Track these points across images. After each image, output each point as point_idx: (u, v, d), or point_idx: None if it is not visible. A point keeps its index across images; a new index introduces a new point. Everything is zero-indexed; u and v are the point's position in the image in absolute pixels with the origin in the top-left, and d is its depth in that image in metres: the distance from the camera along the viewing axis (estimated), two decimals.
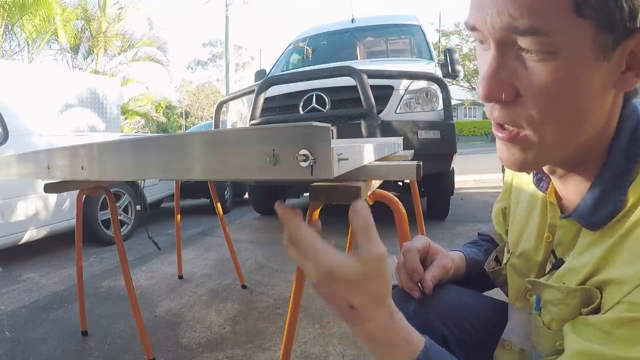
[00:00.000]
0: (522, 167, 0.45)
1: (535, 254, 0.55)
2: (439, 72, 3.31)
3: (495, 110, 0.42)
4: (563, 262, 0.50)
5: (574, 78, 0.38)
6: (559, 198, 0.53)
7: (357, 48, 4.24)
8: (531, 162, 0.44)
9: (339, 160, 0.45)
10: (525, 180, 0.61)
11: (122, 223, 3.46)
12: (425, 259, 0.65)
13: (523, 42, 0.37)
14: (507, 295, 0.65)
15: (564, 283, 0.47)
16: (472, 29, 0.41)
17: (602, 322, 0.39)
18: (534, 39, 0.36)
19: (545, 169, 0.51)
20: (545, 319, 0.50)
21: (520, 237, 0.59)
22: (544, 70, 0.38)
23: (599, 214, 0.43)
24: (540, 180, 0.54)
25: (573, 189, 0.49)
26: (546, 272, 0.53)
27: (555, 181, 0.52)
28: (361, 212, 0.40)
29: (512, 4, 0.36)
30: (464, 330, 0.61)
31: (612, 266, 0.41)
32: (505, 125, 0.43)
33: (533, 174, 0.56)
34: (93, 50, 12.35)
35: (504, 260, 0.64)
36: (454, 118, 2.91)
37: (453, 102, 3.16)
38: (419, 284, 0.62)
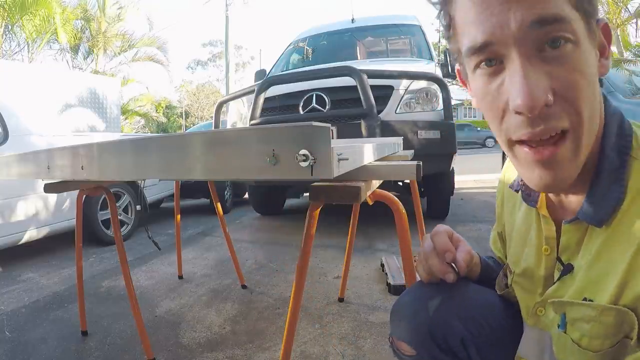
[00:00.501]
0: (561, 182, 0.44)
1: (538, 269, 0.55)
2: (439, 72, 3.31)
3: (538, 124, 0.40)
4: (572, 267, 0.50)
5: (590, 64, 0.41)
6: (552, 208, 0.53)
7: (357, 48, 4.24)
8: (565, 175, 0.43)
9: (339, 160, 0.45)
10: (517, 202, 0.62)
11: (122, 223, 3.46)
12: None
13: (551, 32, 0.39)
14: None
15: (586, 297, 0.47)
16: (485, 45, 0.40)
17: None
18: (561, 25, 0.39)
19: None
20: (574, 336, 0.49)
21: (520, 256, 0.60)
22: (570, 59, 0.40)
23: (604, 210, 0.44)
24: (529, 196, 0.55)
25: (573, 192, 0.49)
26: (555, 280, 0.53)
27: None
28: None
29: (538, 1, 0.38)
30: (482, 330, 0.61)
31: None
32: (540, 137, 0.41)
33: (521, 191, 0.56)
34: (93, 50, 12.34)
35: (509, 281, 0.64)
36: (454, 118, 2.91)
37: (453, 102, 3.16)
38: (453, 266, 0.61)
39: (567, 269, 0.50)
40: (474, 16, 0.40)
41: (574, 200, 0.49)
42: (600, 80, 0.48)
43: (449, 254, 0.61)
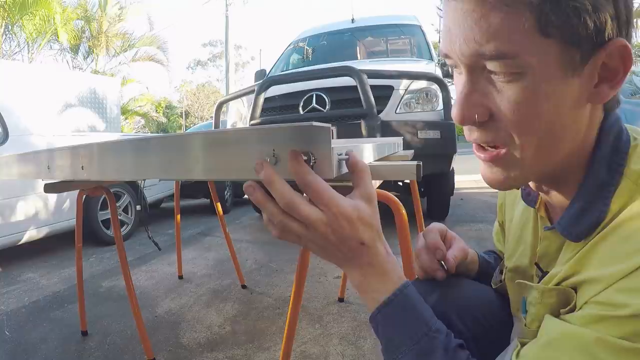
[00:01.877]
0: (505, 186, 0.46)
1: (530, 268, 0.56)
2: (439, 72, 3.31)
3: (474, 132, 0.44)
4: (547, 274, 0.50)
5: (543, 95, 0.38)
6: (548, 212, 0.53)
7: (357, 48, 4.24)
8: (513, 179, 0.45)
9: (339, 160, 0.45)
10: (517, 196, 0.62)
11: (122, 223, 3.46)
12: (444, 243, 0.65)
13: (491, 65, 0.39)
14: None
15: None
16: (445, 56, 0.43)
17: (575, 319, 0.39)
18: (501, 62, 0.38)
19: (532, 185, 0.51)
20: (527, 321, 0.51)
21: (515, 251, 0.60)
22: (512, 90, 0.39)
23: (581, 225, 0.43)
24: (529, 195, 0.55)
25: (559, 203, 0.49)
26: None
27: (543, 196, 0.52)
28: (360, 160, 0.45)
29: (478, 31, 0.37)
30: (479, 326, 0.62)
31: (588, 267, 0.41)
32: (486, 146, 0.44)
33: (521, 189, 0.56)
34: (93, 50, 12.35)
35: (503, 276, 0.64)
36: None
37: (453, 102, 3.16)
38: (442, 264, 0.63)
39: (544, 276, 0.50)
40: (442, 31, 0.44)
41: (560, 209, 0.49)
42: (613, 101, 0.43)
43: (438, 251, 0.62)
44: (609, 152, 0.43)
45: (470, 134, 0.44)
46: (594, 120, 0.43)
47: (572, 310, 0.42)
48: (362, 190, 0.44)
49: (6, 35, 9.68)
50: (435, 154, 2.67)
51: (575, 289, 0.42)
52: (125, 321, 1.80)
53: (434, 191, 3.38)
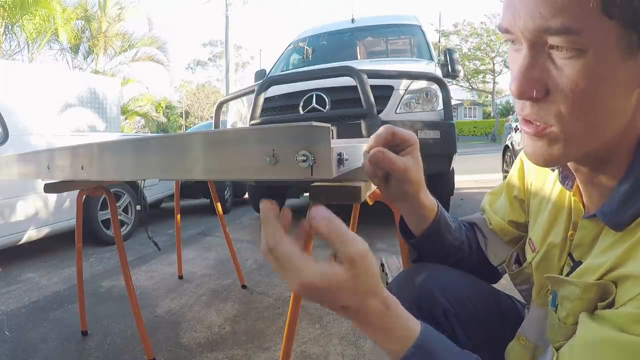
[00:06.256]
0: (547, 162, 0.46)
1: (561, 256, 0.55)
2: (439, 72, 3.30)
3: (527, 107, 0.44)
4: (581, 264, 0.49)
5: (601, 75, 0.39)
6: (581, 199, 0.52)
7: (357, 48, 4.24)
8: (556, 156, 0.44)
9: (339, 160, 0.45)
10: (550, 181, 0.61)
11: (122, 223, 3.46)
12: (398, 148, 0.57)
13: (554, 40, 0.39)
14: (521, 294, 0.67)
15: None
16: (505, 31, 0.44)
17: (616, 317, 0.39)
18: (565, 37, 0.38)
19: (570, 166, 0.51)
20: (561, 315, 0.49)
21: (547, 236, 0.59)
22: (572, 67, 0.39)
23: (624, 214, 0.42)
24: (566, 178, 0.54)
25: (597, 189, 0.48)
26: (564, 275, 0.53)
27: (579, 181, 0.51)
28: (321, 216, 0.39)
29: (544, 6, 0.38)
30: (463, 306, 0.63)
31: (632, 263, 0.40)
32: (533, 121, 0.44)
33: (558, 171, 0.56)
34: (93, 50, 12.35)
35: (529, 259, 0.63)
36: (454, 118, 2.91)
37: (453, 102, 3.16)
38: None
39: (576, 267, 0.50)
40: (503, 6, 0.44)
41: (598, 196, 0.48)
42: None
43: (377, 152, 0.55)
44: None
45: (522, 108, 0.44)
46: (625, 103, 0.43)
47: (611, 304, 0.42)
48: (341, 251, 0.38)
49: (6, 35, 9.68)
50: (435, 154, 2.67)
51: (615, 283, 0.42)
52: (125, 321, 1.80)
53: (434, 191, 3.34)
